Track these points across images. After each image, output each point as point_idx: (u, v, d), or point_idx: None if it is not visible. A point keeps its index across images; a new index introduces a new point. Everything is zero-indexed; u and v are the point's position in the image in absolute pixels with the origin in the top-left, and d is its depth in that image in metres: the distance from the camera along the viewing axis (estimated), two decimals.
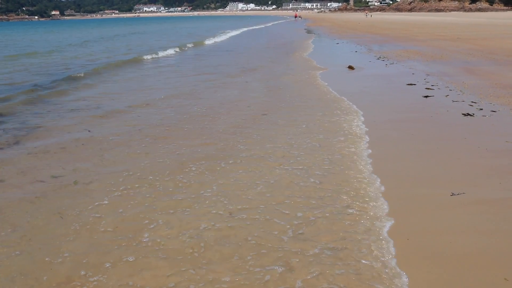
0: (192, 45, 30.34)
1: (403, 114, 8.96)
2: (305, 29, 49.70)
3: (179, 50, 26.52)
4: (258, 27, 63.22)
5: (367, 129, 7.88)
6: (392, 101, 10.44)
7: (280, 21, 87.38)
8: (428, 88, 11.37)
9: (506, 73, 13.31)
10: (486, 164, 6.03)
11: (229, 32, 47.74)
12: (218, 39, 37.07)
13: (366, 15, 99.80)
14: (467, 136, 7.33)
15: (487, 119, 8.32)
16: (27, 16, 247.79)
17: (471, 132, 7.55)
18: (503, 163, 6.06)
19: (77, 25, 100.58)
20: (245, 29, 56.71)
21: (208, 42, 33.82)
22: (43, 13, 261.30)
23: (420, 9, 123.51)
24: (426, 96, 10.46)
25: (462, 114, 8.70)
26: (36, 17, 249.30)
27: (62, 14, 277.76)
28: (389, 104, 10.12)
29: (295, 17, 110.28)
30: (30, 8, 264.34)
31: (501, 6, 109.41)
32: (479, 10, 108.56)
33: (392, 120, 8.53)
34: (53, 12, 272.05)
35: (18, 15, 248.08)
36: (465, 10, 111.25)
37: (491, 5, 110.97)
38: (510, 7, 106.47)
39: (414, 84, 12.02)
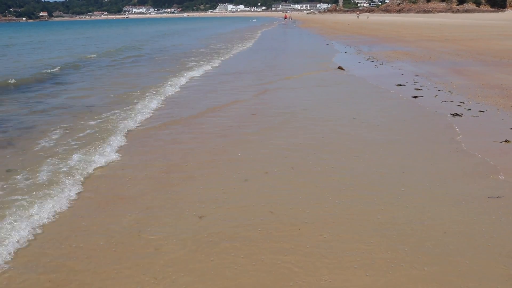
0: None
1: (392, 114, 9.00)
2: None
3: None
4: (270, 28, 62.89)
5: (356, 131, 7.90)
6: (381, 101, 10.48)
7: (278, 23, 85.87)
8: (417, 89, 11.45)
9: (494, 74, 13.46)
10: (474, 164, 6.09)
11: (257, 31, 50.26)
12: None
13: (357, 17, 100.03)
14: (455, 136, 7.39)
15: (475, 119, 8.40)
16: (14, 18, 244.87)
17: (460, 132, 7.60)
18: (490, 162, 6.12)
19: (79, 27, 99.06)
20: (264, 29, 57.55)
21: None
22: (31, 15, 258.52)
23: (409, 10, 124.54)
24: (415, 97, 10.53)
25: (451, 114, 8.77)
26: (23, 18, 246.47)
27: (50, 15, 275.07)
28: (378, 104, 10.15)
29: (285, 18, 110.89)
30: (18, 10, 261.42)
31: (488, 8, 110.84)
32: (466, 11, 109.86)
33: (382, 121, 8.55)
34: (41, 14, 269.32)
35: (5, 16, 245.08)
36: (452, 11, 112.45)
37: (478, 7, 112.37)
38: (496, 9, 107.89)
39: (403, 85, 12.10)
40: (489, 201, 4.94)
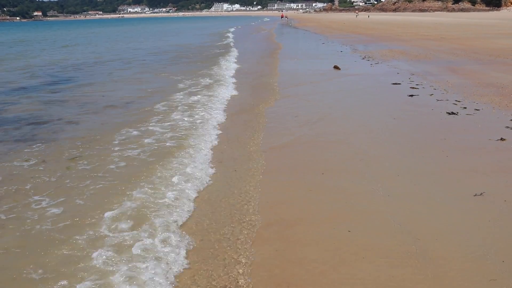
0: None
1: (388, 113, 9.01)
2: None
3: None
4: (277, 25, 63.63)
5: (352, 127, 7.91)
6: (377, 100, 10.49)
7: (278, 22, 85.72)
8: (413, 88, 11.47)
9: (489, 72, 13.50)
10: (471, 162, 6.10)
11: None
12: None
13: (356, 16, 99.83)
14: (451, 134, 7.41)
15: (471, 118, 8.42)
16: (8, 17, 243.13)
17: (456, 131, 7.62)
18: (486, 160, 6.13)
19: (87, 26, 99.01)
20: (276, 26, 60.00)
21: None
22: (25, 14, 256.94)
23: (404, 9, 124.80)
24: (411, 95, 10.54)
25: (447, 112, 8.79)
26: (17, 18, 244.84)
27: (44, 15, 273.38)
28: (374, 103, 10.16)
29: (281, 17, 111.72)
30: (12, 9, 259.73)
31: (483, 7, 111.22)
32: (462, 10, 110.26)
33: (378, 119, 8.56)
34: (35, 13, 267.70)
35: None
36: (448, 10, 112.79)
37: (473, 6, 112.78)
38: (491, 8, 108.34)
39: (399, 84, 12.11)
40: (475, 199, 4.94)
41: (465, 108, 9.13)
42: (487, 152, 6.46)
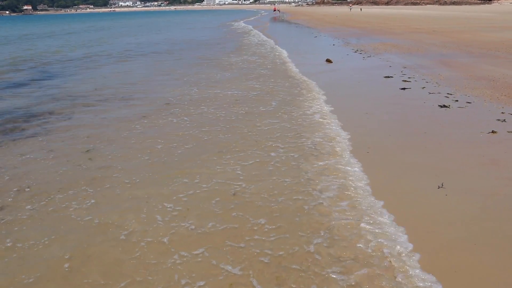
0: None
1: (380, 106, 9.00)
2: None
3: None
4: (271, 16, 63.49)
5: (345, 122, 7.89)
6: (369, 93, 10.47)
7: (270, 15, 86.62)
8: (405, 81, 11.46)
9: (480, 65, 13.52)
10: (462, 155, 6.10)
11: None
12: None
13: (350, 9, 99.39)
14: (443, 127, 7.40)
15: (462, 110, 8.42)
16: None
17: (447, 124, 7.62)
18: (477, 153, 6.14)
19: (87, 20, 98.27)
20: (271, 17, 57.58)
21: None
22: (15, 8, 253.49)
23: (397, 2, 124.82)
24: (403, 89, 10.53)
25: (439, 105, 8.79)
26: (7, 12, 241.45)
27: (34, 9, 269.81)
28: (366, 96, 10.14)
29: (274, 10, 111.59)
30: (1, 3, 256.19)
31: (475, 0, 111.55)
32: (454, 3, 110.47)
33: (370, 112, 8.54)
34: (25, 7, 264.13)
35: None
36: (440, 4, 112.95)
37: None
38: (483, 1, 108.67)
39: (391, 77, 12.10)
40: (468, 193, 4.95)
41: (457, 101, 9.13)
42: (477, 146, 6.46)
